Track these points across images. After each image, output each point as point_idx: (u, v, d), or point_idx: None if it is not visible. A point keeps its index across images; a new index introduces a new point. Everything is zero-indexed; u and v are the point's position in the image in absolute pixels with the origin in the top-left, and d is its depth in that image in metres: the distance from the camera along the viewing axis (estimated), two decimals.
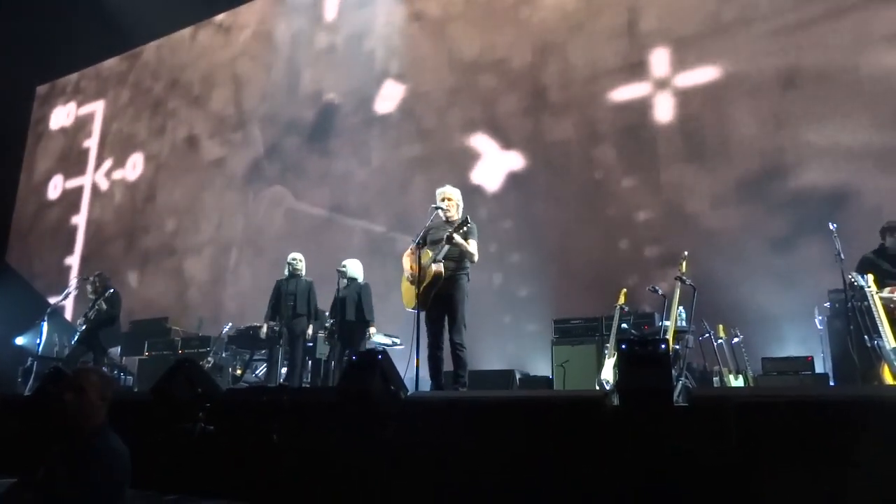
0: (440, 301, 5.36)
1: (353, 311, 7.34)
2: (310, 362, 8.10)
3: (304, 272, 7.78)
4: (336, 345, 7.29)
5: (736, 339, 6.55)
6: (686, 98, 8.36)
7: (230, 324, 9.41)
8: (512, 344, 8.78)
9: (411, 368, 5.14)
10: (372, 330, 7.43)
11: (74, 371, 3.18)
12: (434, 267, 5.31)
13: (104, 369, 8.00)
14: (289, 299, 7.53)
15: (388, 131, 10.54)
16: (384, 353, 4.24)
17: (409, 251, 5.69)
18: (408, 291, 5.57)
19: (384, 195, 10.37)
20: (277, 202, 11.29)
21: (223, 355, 8.87)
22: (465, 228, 5.34)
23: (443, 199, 5.63)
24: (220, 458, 4.30)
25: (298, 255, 7.82)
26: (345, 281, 7.41)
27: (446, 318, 5.39)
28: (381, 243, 9.95)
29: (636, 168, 8.48)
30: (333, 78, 11.31)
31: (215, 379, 5.18)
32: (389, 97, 10.66)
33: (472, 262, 5.51)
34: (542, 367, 8.20)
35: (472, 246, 5.41)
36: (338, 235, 10.42)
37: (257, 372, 8.79)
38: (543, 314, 8.36)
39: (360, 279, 7.56)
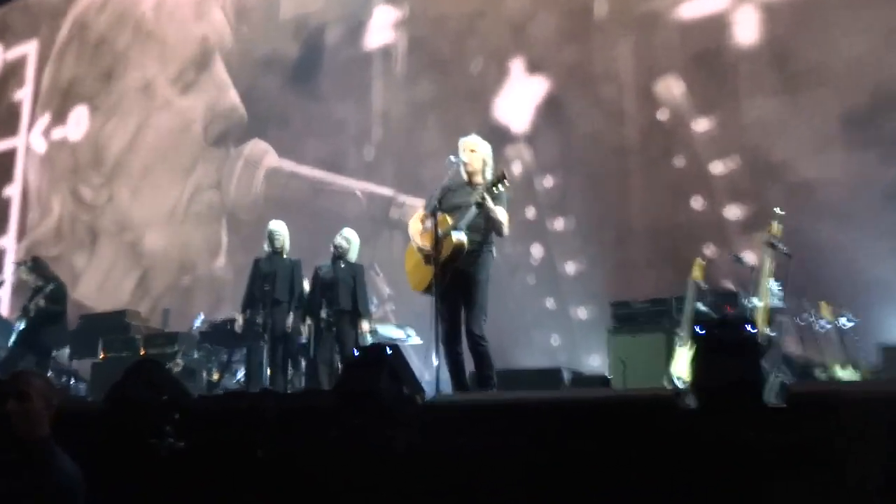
0: (458, 281, 5.35)
1: (348, 300, 7.38)
2: (303, 363, 8.18)
3: (287, 247, 7.79)
4: (326, 340, 7.32)
5: (845, 322, 6.47)
6: (775, 13, 8.23)
7: (202, 316, 9.50)
8: (557, 335, 8.84)
9: (431, 368, 5.16)
10: (365, 326, 7.52)
11: (13, 375, 3.23)
12: (455, 237, 5.27)
13: (49, 375, 8.14)
14: (266, 282, 7.59)
15: (392, 67, 10.53)
16: (395, 347, 4.24)
17: (418, 215, 5.67)
18: (415, 269, 5.56)
19: (390, 148, 10.39)
20: (256, 160, 11.35)
21: (195, 356, 8.97)
22: (497, 190, 5.30)
23: (466, 151, 5.58)
24: (193, 481, 4.34)
25: (281, 226, 7.81)
26: (341, 261, 7.44)
27: (465, 304, 5.39)
28: (388, 210, 10.03)
29: (711, 105, 8.40)
30: None
31: (185, 384, 5.22)
32: (394, 24, 10.65)
33: (501, 235, 5.48)
34: (596, 363, 8.25)
35: (502, 215, 5.38)
36: (332, 201, 10.49)
37: (238, 376, 8.87)
38: (597, 296, 8.39)
39: (355, 258, 7.61)
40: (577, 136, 9.07)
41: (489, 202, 5.28)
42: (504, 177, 5.32)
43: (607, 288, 8.28)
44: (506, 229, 5.46)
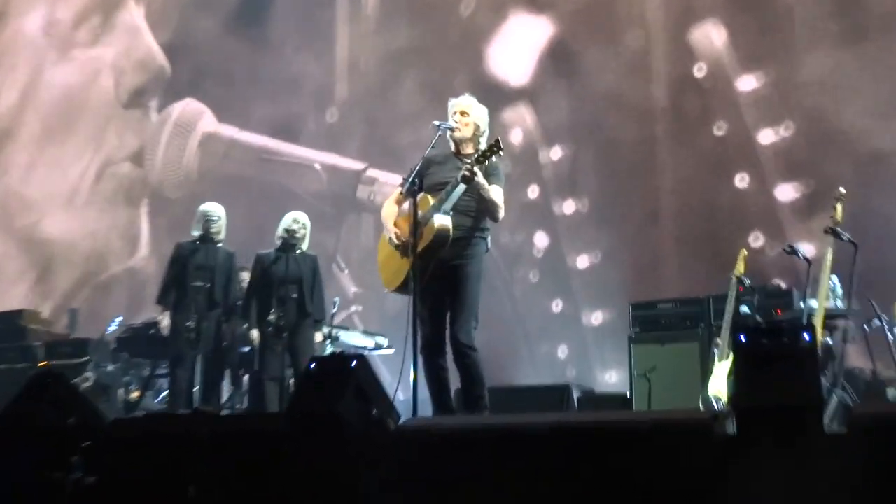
0: (443, 276, 5.33)
1: (304, 299, 7.38)
2: (245, 378, 8.15)
3: (223, 235, 7.76)
4: (275, 350, 7.30)
5: None
6: None
7: (119, 318, 9.45)
8: (565, 345, 8.89)
9: (407, 384, 5.16)
10: (319, 336, 7.53)
11: None
12: (436, 221, 5.25)
13: None
14: (198, 276, 7.59)
15: (361, 8, 10.54)
16: (362, 359, 4.23)
17: (393, 197, 5.67)
18: (389, 262, 5.56)
19: (358, 110, 10.38)
20: (188, 125, 11.30)
21: (109, 368, 8.93)
22: (489, 161, 5.29)
23: (456, 114, 5.57)
24: None
25: (217, 209, 7.77)
26: (294, 250, 7.43)
27: (450, 305, 5.41)
28: (355, 188, 10.05)
29: (760, 59, 8.43)
30: None
31: (98, 404, 5.19)
32: None
33: (496, 219, 5.47)
34: (613, 379, 8.31)
35: (496, 194, 5.37)
36: (284, 176, 10.50)
37: (163, 394, 8.85)
38: (615, 296, 8.43)
39: (306, 247, 7.62)
40: (593, 96, 9.09)
41: (480, 178, 5.25)
42: (498, 145, 5.28)
43: (628, 286, 8.33)
44: (501, 212, 5.44)
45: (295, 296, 7.37)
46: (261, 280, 7.48)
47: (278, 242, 7.47)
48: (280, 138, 10.71)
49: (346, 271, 9.62)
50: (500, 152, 5.32)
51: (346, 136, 10.37)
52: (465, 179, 5.27)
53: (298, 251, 7.46)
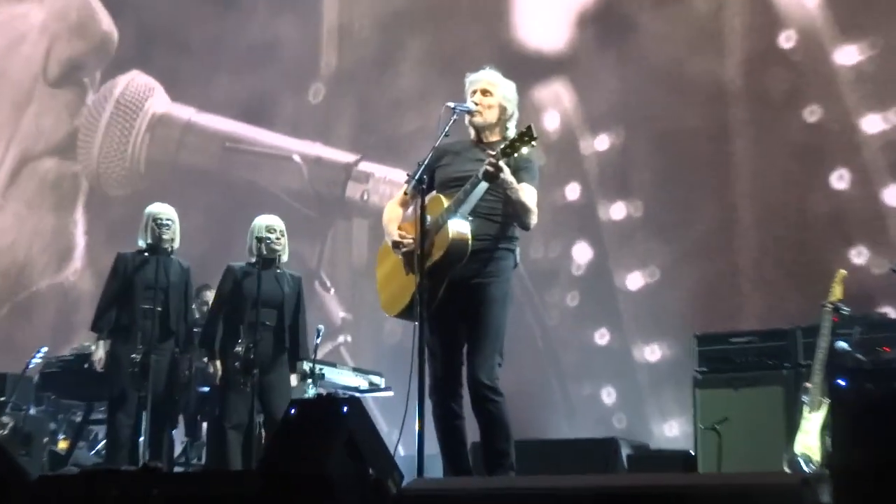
0: (459, 298, 5.33)
1: (285, 329, 7.40)
2: (204, 426, 8.18)
3: (177, 244, 7.76)
4: (241, 392, 7.27)
5: None
6: None
7: (44, 349, 9.44)
8: (612, 386, 8.92)
9: (412, 437, 5.14)
10: (294, 378, 7.58)
11: None
12: (451, 228, 5.24)
13: None
14: (146, 296, 7.59)
15: None
16: (355, 403, 4.24)
17: (396, 199, 5.73)
18: (390, 279, 5.62)
19: (349, 87, 10.43)
20: (134, 104, 11.38)
21: (32, 412, 8.94)
22: (520, 153, 5.27)
23: (476, 93, 5.57)
24: None
25: (169, 212, 7.76)
26: (274, 266, 7.44)
27: (468, 336, 5.44)
28: (344, 185, 10.12)
29: (864, 26, 8.43)
30: None
31: (17, 457, 5.20)
32: None
33: (527, 226, 5.45)
34: (674, 431, 8.33)
35: (528, 194, 5.37)
36: (254, 171, 10.59)
37: (100, 445, 8.86)
38: (676, 324, 8.49)
39: (286, 259, 7.61)
40: (648, 71, 9.13)
41: (507, 173, 5.24)
42: (531, 133, 5.25)
43: (693, 313, 8.36)
44: (533, 217, 5.42)
45: (270, 323, 7.39)
46: (229, 300, 7.50)
47: (252, 257, 7.47)
48: (250, 122, 10.79)
49: (333, 291, 9.62)
50: (533, 142, 5.31)
51: (334, 121, 10.42)
52: (487, 176, 5.26)
53: (278, 269, 7.46)
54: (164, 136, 11.19)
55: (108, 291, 7.74)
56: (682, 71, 8.98)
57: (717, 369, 7.39)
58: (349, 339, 9.61)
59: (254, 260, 7.40)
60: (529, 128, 5.33)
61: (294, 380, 7.54)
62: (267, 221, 7.54)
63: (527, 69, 9.20)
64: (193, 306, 8.12)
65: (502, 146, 5.34)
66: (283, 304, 7.44)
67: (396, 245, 5.53)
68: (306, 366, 7.68)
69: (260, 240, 7.41)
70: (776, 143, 8.57)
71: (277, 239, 7.46)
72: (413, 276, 5.36)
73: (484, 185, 5.34)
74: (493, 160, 5.27)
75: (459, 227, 5.34)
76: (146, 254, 7.68)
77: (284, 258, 7.57)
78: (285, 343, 7.43)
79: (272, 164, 10.56)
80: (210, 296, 7.92)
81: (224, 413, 7.38)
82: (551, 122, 9.36)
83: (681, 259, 8.76)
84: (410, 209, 5.55)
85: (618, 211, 9.16)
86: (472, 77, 5.71)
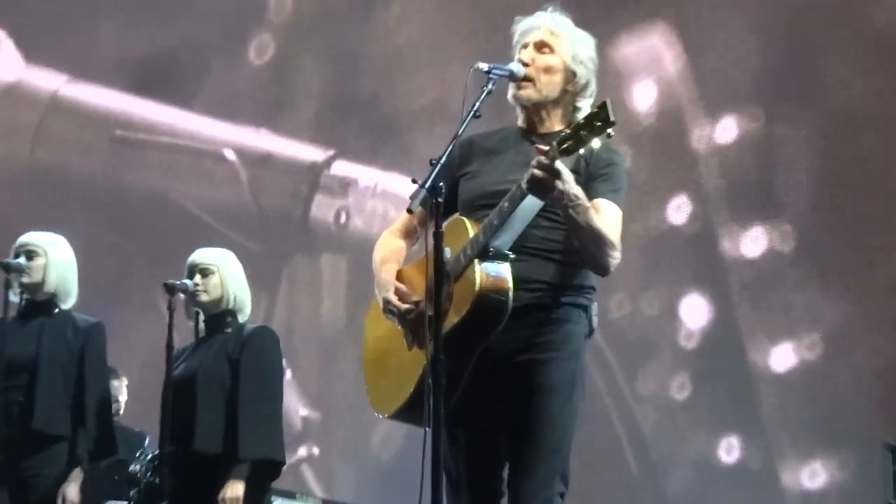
0: (497, 389, 5.31)
1: (247, 423, 7.38)
2: None
3: (68, 290, 7.79)
4: None
5: None
6: None
7: None
8: None
9: None
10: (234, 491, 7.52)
11: None
12: (480, 273, 5.19)
13: None
14: (13, 377, 7.68)
15: None
16: None
17: (396, 225, 5.75)
18: (384, 357, 5.60)
19: (315, 41, 10.61)
20: None
21: None
22: (589, 147, 5.20)
23: (529, 47, 5.52)
24: None
25: (43, 239, 7.81)
26: (220, 322, 7.49)
27: (511, 449, 5.43)
28: (309, 200, 10.24)
29: None
30: None
31: None
32: None
33: (604, 269, 5.34)
34: None
35: (606, 217, 5.28)
36: (161, 174, 10.76)
37: None
38: (849, 429, 8.56)
39: (248, 312, 7.60)
40: (809, 14, 9.19)
41: (567, 181, 5.16)
42: (606, 115, 5.17)
43: (879, 409, 8.41)
44: (614, 254, 5.34)
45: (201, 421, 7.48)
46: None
47: (189, 314, 7.69)
48: (154, 98, 10.91)
49: (289, 374, 9.59)
50: (610, 129, 5.25)
51: (291, 94, 10.55)
52: (535, 185, 5.18)
53: (230, 329, 7.58)
54: (14, 121, 11.26)
55: None
56: (864, 13, 9.09)
57: None
58: (315, 451, 9.59)
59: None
60: (603, 106, 5.21)
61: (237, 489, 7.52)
62: (193, 258, 7.71)
63: (604, 9, 9.32)
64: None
65: (560, 136, 5.28)
66: (250, 392, 7.53)
67: (389, 308, 5.53)
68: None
69: (190, 294, 7.54)
70: None
71: (210, 279, 7.55)
72: (419, 351, 5.32)
73: (533, 203, 5.28)
74: (543, 158, 5.19)
75: (493, 270, 5.27)
76: (18, 315, 7.89)
77: (243, 315, 7.63)
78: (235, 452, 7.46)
79: (190, 165, 10.67)
80: (118, 387, 7.94)
81: None
82: (644, 97, 9.41)
83: (859, 321, 8.79)
84: (413, 239, 5.61)
85: (754, 242, 9.16)
86: (522, 23, 5.71)
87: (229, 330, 7.57)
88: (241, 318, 7.66)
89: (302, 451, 9.64)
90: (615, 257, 5.27)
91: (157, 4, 10.91)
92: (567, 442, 5.33)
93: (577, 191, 5.05)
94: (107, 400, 8.04)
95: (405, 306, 5.32)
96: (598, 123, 4.94)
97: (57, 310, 7.83)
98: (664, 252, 9.12)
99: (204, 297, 7.53)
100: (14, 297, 7.81)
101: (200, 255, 7.69)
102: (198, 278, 7.55)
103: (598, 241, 5.20)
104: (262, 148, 10.49)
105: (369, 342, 5.74)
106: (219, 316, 7.59)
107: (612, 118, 4.93)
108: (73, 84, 11.02)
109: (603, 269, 5.32)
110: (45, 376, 7.67)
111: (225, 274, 7.59)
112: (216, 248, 7.80)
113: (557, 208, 5.12)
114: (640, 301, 9.05)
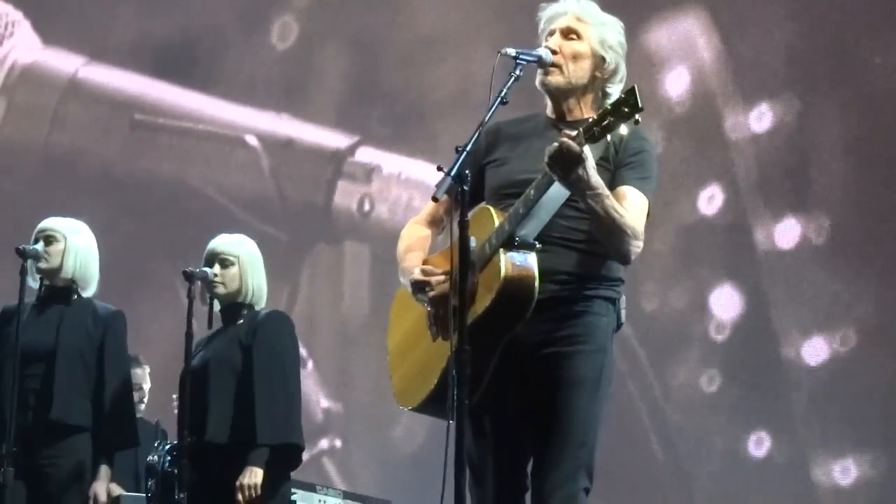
0: (523, 381, 5.26)
1: (263, 407, 7.32)
2: None
3: (89, 275, 7.77)
4: None
5: None
6: None
7: None
8: None
9: None
10: (253, 478, 7.43)
11: None
12: (506, 261, 5.12)
13: None
14: (30, 363, 7.69)
15: None
16: None
17: (423, 213, 5.70)
18: (408, 348, 5.59)
19: (337, 23, 10.56)
20: None
21: None
22: (616, 132, 5.12)
23: (556, 33, 5.45)
24: None
25: (63, 224, 7.79)
26: (235, 313, 7.45)
27: (536, 442, 5.38)
28: (332, 188, 10.22)
29: None
30: None
31: None
32: None
33: (624, 258, 5.26)
34: None
35: (629, 205, 5.21)
36: (180, 160, 10.74)
37: None
38: (882, 425, 8.59)
39: (263, 303, 7.55)
40: (833, 9, 9.11)
41: (588, 165, 5.10)
42: (634, 101, 5.10)
43: None
44: (634, 243, 5.25)
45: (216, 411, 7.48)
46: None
47: (205, 302, 7.67)
48: (174, 81, 10.87)
49: (311, 365, 9.55)
50: (637, 115, 5.18)
51: (314, 79, 10.51)
52: (557, 165, 5.13)
53: (242, 320, 7.57)
54: (31, 104, 11.24)
55: None
56: None
57: None
58: (338, 443, 9.56)
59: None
60: (632, 92, 5.14)
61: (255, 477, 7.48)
62: (230, 240, 7.71)
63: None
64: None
65: (587, 123, 5.22)
66: (265, 376, 7.49)
67: (419, 286, 5.42)
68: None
69: (201, 278, 7.50)
70: None
71: (229, 270, 7.55)
72: (443, 342, 5.27)
73: (559, 192, 5.21)
74: (567, 140, 5.12)
75: (518, 259, 5.22)
76: (37, 301, 7.90)
77: (257, 297, 7.58)
78: (245, 436, 7.42)
79: (210, 150, 10.64)
80: (141, 376, 7.92)
81: None
82: (676, 83, 9.35)
83: (894, 315, 8.77)
84: (441, 227, 5.56)
85: (787, 233, 9.14)
86: (548, 9, 5.64)
87: (242, 321, 7.59)
88: (257, 308, 7.66)
89: (323, 443, 9.62)
90: (636, 246, 5.24)
91: None
92: (593, 436, 5.29)
93: (596, 179, 5.04)
94: (128, 390, 8.03)
95: (436, 278, 5.32)
96: (626, 109, 4.93)
97: (76, 297, 7.83)
98: (695, 242, 9.11)
99: (221, 290, 7.50)
100: (34, 283, 7.85)
101: (221, 244, 7.64)
102: (217, 268, 7.51)
103: (617, 230, 5.15)
104: (284, 133, 10.49)
105: (393, 334, 5.71)
106: (235, 306, 7.60)
107: (640, 104, 4.92)
108: (91, 66, 11.01)
109: (623, 258, 5.30)
110: (64, 366, 7.68)
111: (244, 265, 7.55)
112: (236, 235, 7.75)
113: (576, 195, 5.11)
114: (670, 292, 9.03)
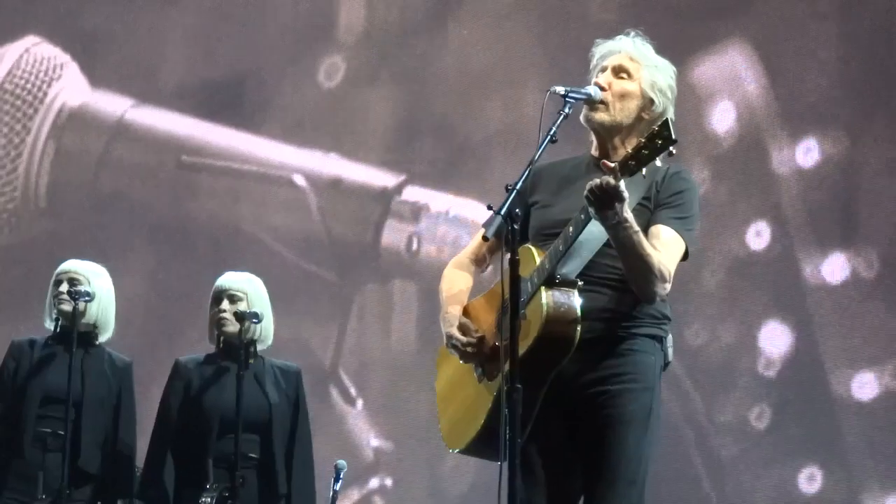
0: (568, 417, 5.35)
1: (280, 464, 7.41)
2: None
3: (106, 327, 7.80)
4: None
5: None
6: None
7: None
8: None
9: None
10: None
11: None
12: (547, 301, 5.12)
13: None
14: (50, 414, 7.68)
15: None
16: None
17: (468, 250, 5.72)
18: (455, 390, 5.61)
19: (386, 60, 10.57)
20: (32, 92, 11.49)
21: None
22: (648, 167, 5.12)
23: (606, 71, 5.45)
24: None
25: (86, 268, 7.81)
26: (246, 355, 7.45)
27: (579, 477, 5.37)
28: (380, 226, 10.19)
29: None
30: None
31: None
32: None
33: (650, 296, 5.24)
34: None
35: (663, 246, 5.21)
36: (227, 201, 10.75)
37: None
38: None
39: (270, 339, 7.57)
40: (880, 44, 9.13)
41: (623, 204, 5.11)
42: (667, 133, 5.08)
43: None
44: (661, 285, 5.26)
45: (255, 455, 7.45)
46: (182, 418, 7.56)
47: (213, 340, 7.66)
48: (222, 122, 10.88)
49: (361, 404, 9.57)
50: (671, 147, 5.17)
51: (361, 118, 10.48)
52: (594, 203, 5.13)
53: (256, 358, 7.51)
54: (79, 145, 11.24)
55: None
56: None
57: None
58: (388, 482, 9.55)
59: (216, 346, 7.60)
60: (665, 124, 5.11)
61: None
62: (228, 281, 7.70)
63: (680, 27, 9.27)
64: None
65: (623, 157, 5.20)
66: (272, 424, 7.47)
67: (452, 343, 5.42)
68: None
69: (211, 317, 7.60)
70: None
71: (239, 308, 7.55)
72: (489, 385, 5.30)
73: (599, 231, 5.20)
74: (607, 178, 5.11)
75: (560, 297, 5.24)
76: (51, 341, 7.84)
77: (265, 343, 7.58)
78: (277, 489, 7.46)
79: (258, 191, 10.60)
80: None
81: None
82: (723, 118, 9.33)
83: None
84: (483, 266, 5.60)
85: (836, 268, 9.11)
86: (602, 46, 5.65)
87: (252, 360, 7.55)
88: (261, 347, 7.66)
89: (374, 483, 9.59)
90: (662, 288, 5.28)
91: (224, 27, 10.89)
92: (643, 475, 5.31)
93: (628, 214, 5.04)
94: (134, 442, 8.01)
95: (466, 339, 5.35)
96: (660, 142, 4.93)
97: (97, 343, 7.85)
98: (743, 278, 9.06)
99: (230, 328, 7.51)
100: (49, 324, 7.86)
101: (229, 280, 7.70)
102: (225, 304, 7.53)
103: (644, 268, 5.20)
104: (331, 173, 10.45)
105: (440, 377, 5.76)
106: (244, 343, 7.55)
107: (673, 136, 4.91)
108: (138, 108, 11.00)
109: (647, 297, 5.33)
110: (91, 415, 7.78)
111: (253, 301, 7.59)
112: (243, 273, 7.84)
113: (606, 228, 5.10)
114: (719, 328, 8.98)
